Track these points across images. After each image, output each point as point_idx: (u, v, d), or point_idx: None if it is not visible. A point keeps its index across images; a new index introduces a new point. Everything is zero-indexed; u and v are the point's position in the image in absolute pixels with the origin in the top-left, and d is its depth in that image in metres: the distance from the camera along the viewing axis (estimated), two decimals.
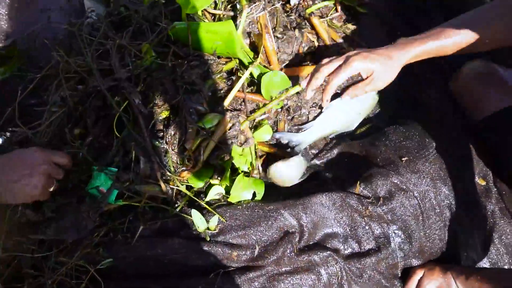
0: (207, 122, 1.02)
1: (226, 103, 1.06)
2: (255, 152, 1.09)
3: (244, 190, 1.03)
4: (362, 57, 0.94)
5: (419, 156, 1.07)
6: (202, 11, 1.16)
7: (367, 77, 0.98)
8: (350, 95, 1.03)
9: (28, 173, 0.80)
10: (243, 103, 1.11)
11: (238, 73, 1.11)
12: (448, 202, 1.04)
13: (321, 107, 1.20)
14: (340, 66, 0.96)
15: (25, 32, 1.23)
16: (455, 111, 1.21)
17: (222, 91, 1.08)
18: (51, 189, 0.87)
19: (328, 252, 0.99)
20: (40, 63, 1.21)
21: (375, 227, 1.03)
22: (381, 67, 0.95)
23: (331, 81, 0.97)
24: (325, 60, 1.00)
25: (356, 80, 1.05)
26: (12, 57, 1.16)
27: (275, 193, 1.08)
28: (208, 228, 0.99)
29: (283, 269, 1.00)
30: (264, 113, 1.12)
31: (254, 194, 1.04)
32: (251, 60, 1.11)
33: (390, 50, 0.98)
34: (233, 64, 1.11)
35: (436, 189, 1.04)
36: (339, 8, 1.24)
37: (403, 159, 1.08)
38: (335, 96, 1.15)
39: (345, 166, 1.13)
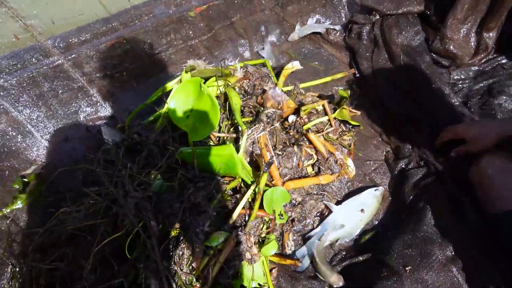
0: (213, 240, 1.06)
1: (231, 220, 1.11)
2: (267, 267, 1.12)
3: None
4: (462, 127, 1.21)
5: (423, 265, 1.07)
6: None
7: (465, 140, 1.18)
8: (454, 154, 1.23)
9: None
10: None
11: (241, 190, 1.18)
12: None
13: (322, 215, 1.25)
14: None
15: (48, 160, 1.35)
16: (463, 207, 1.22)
17: (226, 209, 1.14)
18: None
19: None
20: (60, 187, 1.30)
21: None
22: (474, 133, 1.16)
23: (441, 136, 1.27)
24: None
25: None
26: (34, 184, 1.26)
27: None
28: None
29: None
30: (268, 227, 1.16)
31: None
32: (252, 179, 1.18)
33: (487, 121, 1.24)
34: (236, 182, 1.19)
35: None
36: (333, 123, 1.35)
37: (407, 268, 1.08)
38: (337, 203, 1.22)
39: (354, 277, 1.14)
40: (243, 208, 1.13)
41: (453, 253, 1.07)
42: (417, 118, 1.41)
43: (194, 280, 1.06)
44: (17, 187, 1.25)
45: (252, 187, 1.14)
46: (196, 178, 1.14)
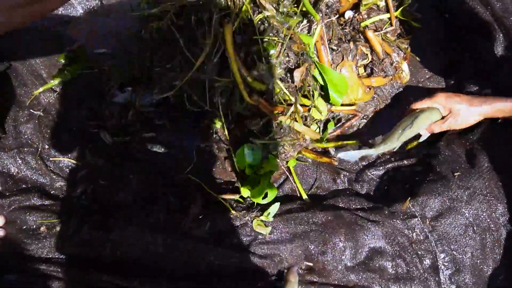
0: None
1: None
2: None
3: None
4: (446, 95, 1.06)
5: (473, 172, 1.05)
6: None
7: (446, 116, 1.06)
8: (427, 129, 1.09)
9: None
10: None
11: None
12: (504, 220, 1.02)
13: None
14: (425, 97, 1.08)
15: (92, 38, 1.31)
16: None
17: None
18: None
19: (376, 273, 1.02)
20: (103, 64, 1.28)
21: (423, 258, 1.03)
22: (461, 109, 1.03)
23: (414, 104, 1.11)
24: None
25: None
26: (79, 58, 1.23)
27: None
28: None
29: (333, 282, 1.02)
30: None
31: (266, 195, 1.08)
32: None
33: (472, 98, 1.05)
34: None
35: (490, 207, 1.03)
36: (394, 22, 1.25)
37: (455, 174, 1.07)
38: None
39: (396, 180, 1.13)
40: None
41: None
42: (490, 30, 1.29)
43: None
44: (63, 61, 1.22)
45: None
46: None
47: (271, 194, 1.08)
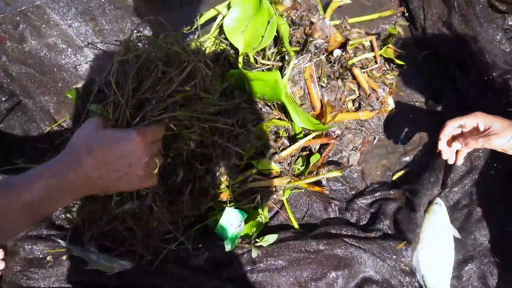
0: (262, 165, 1.13)
1: (278, 157, 1.16)
2: None
3: None
4: (485, 114, 1.00)
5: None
6: (254, 60, 1.28)
7: (484, 130, 1.00)
8: (461, 142, 1.03)
9: (130, 169, 0.72)
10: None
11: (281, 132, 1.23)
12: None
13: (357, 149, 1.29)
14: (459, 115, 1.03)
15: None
16: None
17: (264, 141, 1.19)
18: (156, 171, 0.79)
19: None
20: None
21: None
22: (500, 127, 0.97)
23: (450, 122, 1.04)
24: None
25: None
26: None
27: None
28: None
29: None
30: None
31: None
32: (293, 104, 1.20)
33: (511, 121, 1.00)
34: (284, 123, 1.22)
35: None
36: (378, 60, 1.34)
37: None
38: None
39: (384, 210, 1.20)
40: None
41: None
42: (464, 61, 1.38)
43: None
44: (70, 97, 1.30)
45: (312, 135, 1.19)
46: (245, 101, 1.17)
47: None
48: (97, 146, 0.69)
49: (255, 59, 1.29)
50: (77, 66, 1.39)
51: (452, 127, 1.04)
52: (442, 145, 1.06)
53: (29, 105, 1.31)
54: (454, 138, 1.05)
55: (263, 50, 1.31)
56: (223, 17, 1.30)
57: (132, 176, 0.73)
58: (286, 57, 1.27)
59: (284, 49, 1.27)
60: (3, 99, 1.29)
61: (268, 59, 1.29)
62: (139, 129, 0.73)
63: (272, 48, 1.31)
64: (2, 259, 1.13)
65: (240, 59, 1.24)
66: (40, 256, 1.16)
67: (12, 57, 1.29)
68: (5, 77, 1.29)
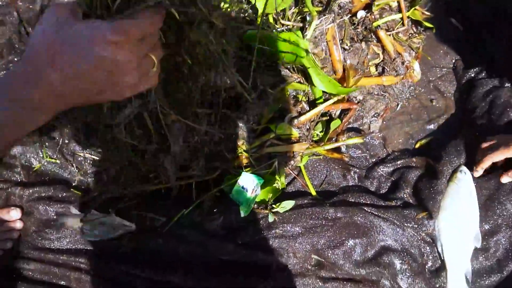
0: (280, 129, 1.08)
1: (298, 121, 1.11)
2: None
3: None
4: None
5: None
6: (274, 20, 1.22)
7: None
8: (510, 176, 1.03)
9: (114, 79, 0.53)
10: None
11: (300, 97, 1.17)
12: None
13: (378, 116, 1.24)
14: (501, 145, 1.01)
15: None
16: None
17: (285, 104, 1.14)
18: (155, 68, 0.58)
19: (385, 269, 1.05)
20: None
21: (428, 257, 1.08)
22: None
23: (488, 157, 1.02)
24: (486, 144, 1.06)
25: None
26: None
27: None
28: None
29: (341, 277, 1.05)
30: None
31: None
32: (315, 67, 1.14)
33: None
34: (304, 87, 1.16)
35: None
36: (405, 22, 1.27)
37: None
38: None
39: (405, 178, 1.15)
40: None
41: None
42: (497, 26, 1.30)
43: None
44: None
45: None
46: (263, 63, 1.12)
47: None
48: (62, 51, 0.50)
49: (274, 19, 1.23)
50: None
51: (489, 163, 1.04)
52: (479, 174, 1.07)
53: None
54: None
55: (283, 10, 1.24)
56: None
57: (118, 86, 0.55)
58: (308, 18, 1.20)
59: (305, 9, 1.21)
60: (15, 59, 1.26)
61: (289, 20, 1.23)
62: (118, 24, 0.50)
63: (293, 8, 1.24)
64: (20, 219, 1.13)
65: (259, 19, 1.17)
66: (54, 217, 1.15)
67: (23, 18, 1.25)
68: (17, 37, 1.26)
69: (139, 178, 1.16)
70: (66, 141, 1.27)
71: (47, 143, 1.26)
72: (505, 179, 1.04)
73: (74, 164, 1.27)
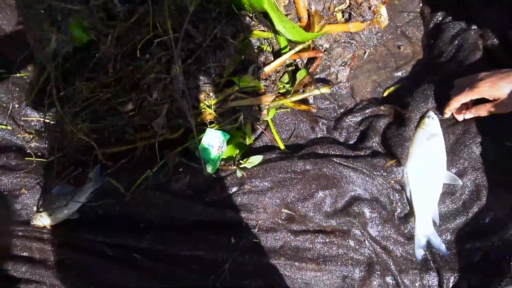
0: (244, 81, 1.03)
1: (263, 73, 1.05)
2: None
3: None
4: (489, 84, 0.96)
5: None
6: None
7: (494, 100, 0.98)
8: (473, 112, 1.03)
9: None
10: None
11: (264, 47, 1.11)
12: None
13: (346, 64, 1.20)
14: (466, 87, 1.00)
15: None
16: None
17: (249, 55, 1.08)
18: None
19: (355, 218, 1.05)
20: None
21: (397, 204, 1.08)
22: (508, 95, 0.94)
23: (454, 100, 1.02)
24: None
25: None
26: None
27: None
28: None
29: (312, 229, 1.04)
30: None
31: None
32: (278, 13, 1.08)
33: None
34: (268, 34, 1.10)
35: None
36: None
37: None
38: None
39: (373, 127, 1.14)
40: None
41: None
42: None
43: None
44: None
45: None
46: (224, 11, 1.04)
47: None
48: None
49: None
50: None
51: (456, 105, 1.03)
52: (448, 116, 1.07)
53: None
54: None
55: None
56: None
57: None
58: None
59: None
60: None
61: None
62: None
63: None
64: None
65: None
66: (13, 187, 1.09)
67: None
68: None
69: (99, 141, 1.10)
70: (17, 106, 1.18)
71: None
72: (467, 115, 1.04)
73: (27, 130, 1.19)
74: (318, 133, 1.16)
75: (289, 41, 1.12)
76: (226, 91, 1.06)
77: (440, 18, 1.25)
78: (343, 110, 1.21)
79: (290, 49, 1.12)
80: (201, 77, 1.04)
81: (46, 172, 1.13)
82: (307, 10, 1.14)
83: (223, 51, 1.03)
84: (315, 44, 1.17)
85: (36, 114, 1.19)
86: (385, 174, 1.05)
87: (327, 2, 1.17)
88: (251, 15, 1.10)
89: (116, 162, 1.10)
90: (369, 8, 1.20)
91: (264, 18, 1.09)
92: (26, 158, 1.14)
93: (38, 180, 1.12)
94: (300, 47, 1.10)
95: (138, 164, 1.10)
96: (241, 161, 1.05)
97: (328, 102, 1.20)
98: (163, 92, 1.01)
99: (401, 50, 1.26)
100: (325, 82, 1.21)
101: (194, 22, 1.04)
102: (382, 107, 1.15)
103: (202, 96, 1.05)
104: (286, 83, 1.14)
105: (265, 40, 1.12)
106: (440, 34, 1.21)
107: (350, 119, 1.15)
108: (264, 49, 1.12)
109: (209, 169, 1.03)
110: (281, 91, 1.14)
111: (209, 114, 1.07)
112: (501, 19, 1.16)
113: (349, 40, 1.21)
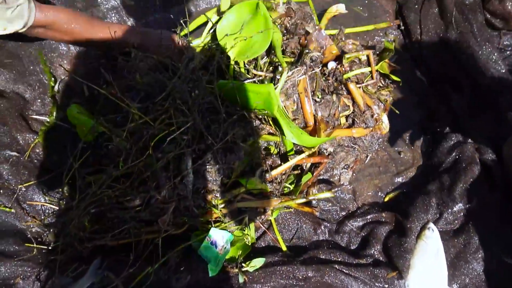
0: (251, 184, 1.06)
1: (269, 176, 1.09)
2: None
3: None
4: None
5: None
6: (245, 70, 1.21)
7: None
8: None
9: None
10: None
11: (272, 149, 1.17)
12: None
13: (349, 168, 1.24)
14: None
15: None
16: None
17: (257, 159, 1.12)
18: None
19: None
20: None
21: None
22: None
23: None
24: None
25: None
26: None
27: None
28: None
29: None
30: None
31: None
32: (286, 119, 1.14)
33: None
34: (276, 138, 1.15)
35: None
36: (374, 75, 1.30)
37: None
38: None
39: (375, 234, 1.15)
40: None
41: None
42: (459, 80, 1.35)
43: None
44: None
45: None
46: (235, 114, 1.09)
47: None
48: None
49: (246, 68, 1.22)
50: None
51: None
52: None
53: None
54: None
55: (255, 59, 1.24)
56: (215, 22, 1.23)
57: None
58: (279, 68, 1.20)
59: (276, 59, 1.21)
60: None
61: (261, 69, 1.22)
62: None
63: (265, 57, 1.24)
64: None
65: (232, 68, 1.16)
66: (8, 276, 1.07)
67: None
68: None
69: (103, 231, 1.10)
70: (24, 189, 1.19)
71: (1, 191, 1.18)
72: None
73: (31, 214, 1.19)
74: (320, 235, 1.17)
75: (296, 144, 1.17)
76: (232, 192, 1.09)
77: (438, 128, 1.32)
78: (345, 213, 1.23)
79: (296, 151, 1.17)
80: (209, 178, 1.07)
81: (45, 262, 1.11)
82: (314, 115, 1.21)
83: (233, 154, 1.07)
84: (320, 148, 1.22)
85: (41, 198, 1.20)
86: (386, 286, 1.05)
87: (332, 108, 1.24)
88: (261, 117, 1.16)
89: (116, 253, 1.09)
90: (372, 116, 1.27)
91: (273, 122, 1.15)
92: (26, 244, 1.13)
93: (35, 269, 1.10)
94: (307, 153, 1.15)
95: (138, 256, 1.09)
96: (243, 264, 1.05)
97: (330, 204, 1.23)
98: (172, 191, 1.03)
99: (402, 155, 1.32)
100: (328, 183, 1.25)
101: (208, 122, 1.09)
102: (383, 214, 1.18)
103: (209, 196, 1.07)
104: (290, 184, 1.17)
105: (273, 142, 1.17)
106: (438, 144, 1.27)
107: (352, 224, 1.17)
108: (272, 151, 1.17)
109: (212, 271, 1.02)
110: (285, 191, 1.17)
111: (214, 213, 1.09)
112: (492, 130, 1.23)
113: (352, 144, 1.27)
